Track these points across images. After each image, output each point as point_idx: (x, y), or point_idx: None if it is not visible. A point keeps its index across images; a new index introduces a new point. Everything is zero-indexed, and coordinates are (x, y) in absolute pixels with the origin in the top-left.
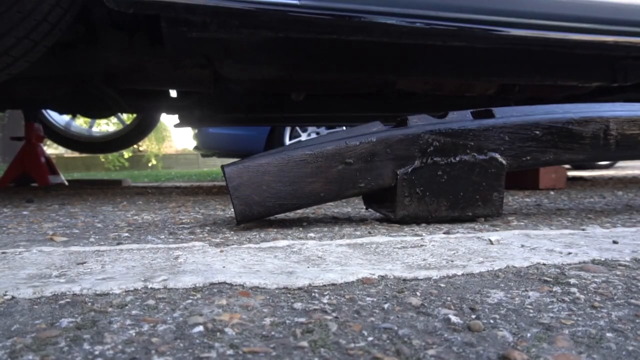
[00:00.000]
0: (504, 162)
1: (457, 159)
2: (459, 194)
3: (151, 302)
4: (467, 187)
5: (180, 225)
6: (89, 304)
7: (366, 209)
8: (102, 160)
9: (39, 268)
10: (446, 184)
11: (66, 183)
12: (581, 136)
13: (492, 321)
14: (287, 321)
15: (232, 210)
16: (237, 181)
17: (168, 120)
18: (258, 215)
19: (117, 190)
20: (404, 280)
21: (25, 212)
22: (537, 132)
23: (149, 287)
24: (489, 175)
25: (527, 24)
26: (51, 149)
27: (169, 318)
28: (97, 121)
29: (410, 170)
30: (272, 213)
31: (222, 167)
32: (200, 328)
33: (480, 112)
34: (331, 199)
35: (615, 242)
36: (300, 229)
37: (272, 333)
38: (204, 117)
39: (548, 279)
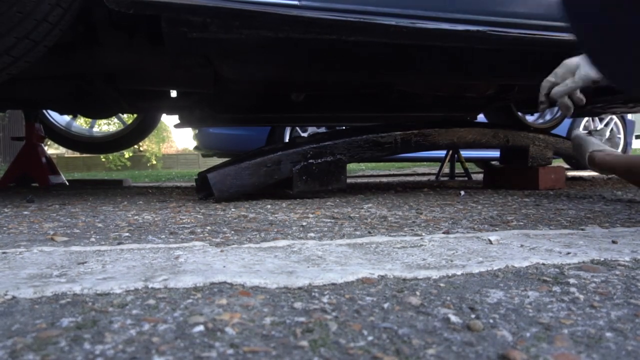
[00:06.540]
0: (345, 159)
1: (322, 160)
2: (324, 178)
3: (152, 301)
4: (328, 174)
5: (181, 225)
6: (90, 303)
7: (283, 190)
8: (103, 160)
9: (39, 268)
10: (317, 173)
11: (67, 183)
12: (384, 143)
13: (491, 321)
14: (287, 321)
15: (233, 209)
16: (214, 180)
17: (168, 120)
18: (227, 196)
19: (117, 190)
20: (404, 280)
21: (25, 212)
22: (362, 143)
23: (150, 286)
24: (339, 167)
25: (527, 24)
26: (52, 149)
27: (169, 318)
28: (98, 121)
29: (299, 167)
30: (233, 194)
31: (200, 173)
32: (201, 327)
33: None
34: (260, 184)
35: (614, 242)
36: (301, 228)
37: (272, 332)
38: (204, 117)
39: (547, 279)
